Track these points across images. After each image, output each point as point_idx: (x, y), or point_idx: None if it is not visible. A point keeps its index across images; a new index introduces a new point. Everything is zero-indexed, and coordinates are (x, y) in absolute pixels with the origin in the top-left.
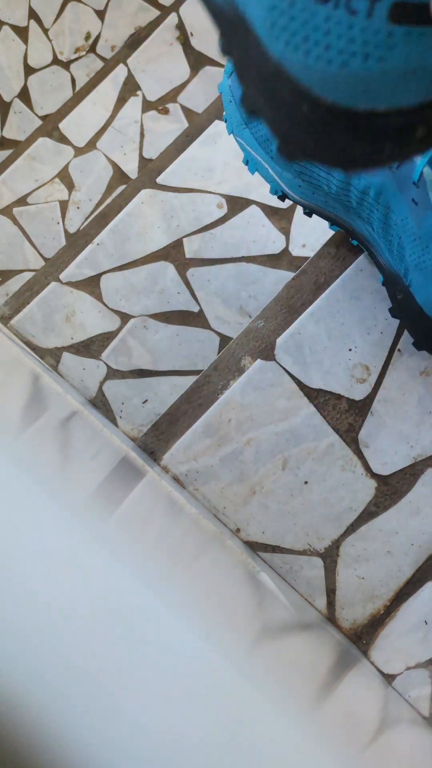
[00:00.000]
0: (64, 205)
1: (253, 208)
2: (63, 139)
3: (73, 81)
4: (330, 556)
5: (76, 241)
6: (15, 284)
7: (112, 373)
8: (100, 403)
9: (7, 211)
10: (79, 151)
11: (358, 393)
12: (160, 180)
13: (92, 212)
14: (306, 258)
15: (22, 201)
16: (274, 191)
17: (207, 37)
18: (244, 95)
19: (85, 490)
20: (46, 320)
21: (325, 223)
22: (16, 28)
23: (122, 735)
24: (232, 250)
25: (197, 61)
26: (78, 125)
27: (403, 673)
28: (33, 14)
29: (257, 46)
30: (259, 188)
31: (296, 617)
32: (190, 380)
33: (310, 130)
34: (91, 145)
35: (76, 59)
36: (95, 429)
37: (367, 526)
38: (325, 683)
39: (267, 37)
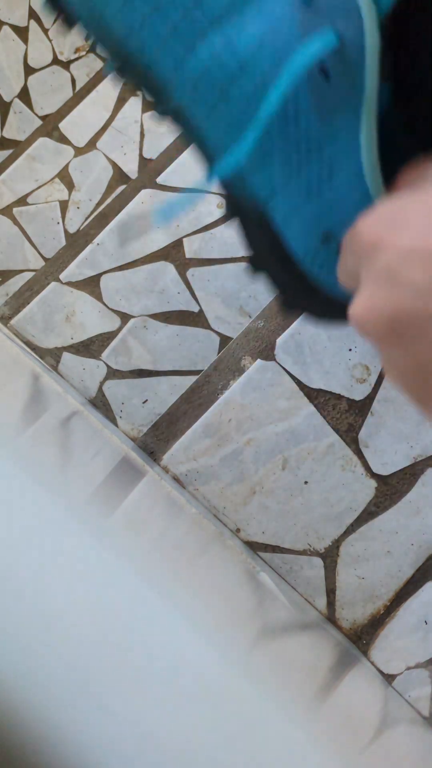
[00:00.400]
0: (64, 205)
1: None
2: (63, 139)
3: (73, 81)
4: (330, 556)
5: (76, 241)
6: (15, 284)
7: (112, 373)
8: (100, 403)
9: (7, 211)
10: (79, 151)
11: (358, 393)
12: (160, 180)
13: (92, 212)
14: None
15: (22, 201)
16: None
17: None
18: (253, 260)
19: (85, 490)
20: (46, 320)
21: None
22: (16, 28)
23: (122, 735)
24: (232, 250)
25: None
26: (78, 125)
27: (403, 673)
28: (33, 14)
29: (293, 264)
30: None
31: (296, 617)
32: (190, 380)
33: (314, 306)
34: (91, 145)
35: (76, 59)
36: (95, 429)
37: (367, 526)
38: (325, 683)
39: (305, 263)
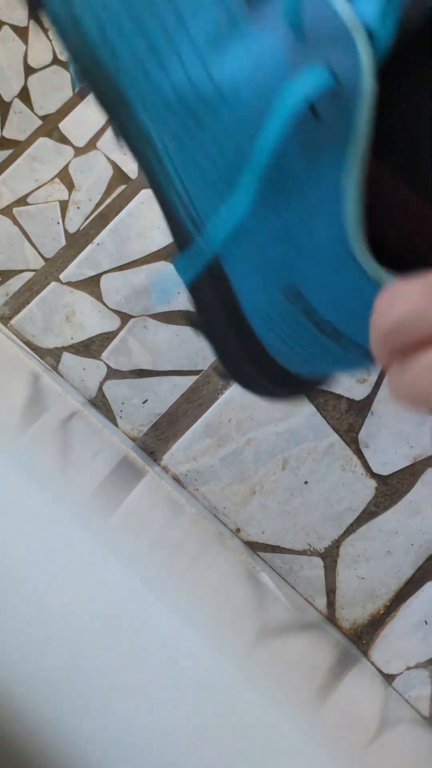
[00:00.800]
0: (64, 205)
1: None
2: (63, 139)
3: (73, 81)
4: (330, 556)
5: (76, 241)
6: (15, 284)
7: (112, 373)
8: (100, 403)
9: (7, 211)
10: (79, 151)
11: (358, 393)
12: None
13: (92, 212)
14: None
15: (22, 201)
16: None
17: None
18: (195, 315)
19: (85, 490)
20: (46, 320)
21: None
22: (16, 28)
23: (121, 735)
24: None
25: None
26: (78, 125)
27: (403, 673)
28: (33, 14)
29: (243, 321)
30: None
31: (296, 617)
32: (190, 380)
33: (261, 378)
34: (91, 145)
35: None
36: (95, 429)
37: (367, 526)
38: (325, 683)
39: (259, 324)
